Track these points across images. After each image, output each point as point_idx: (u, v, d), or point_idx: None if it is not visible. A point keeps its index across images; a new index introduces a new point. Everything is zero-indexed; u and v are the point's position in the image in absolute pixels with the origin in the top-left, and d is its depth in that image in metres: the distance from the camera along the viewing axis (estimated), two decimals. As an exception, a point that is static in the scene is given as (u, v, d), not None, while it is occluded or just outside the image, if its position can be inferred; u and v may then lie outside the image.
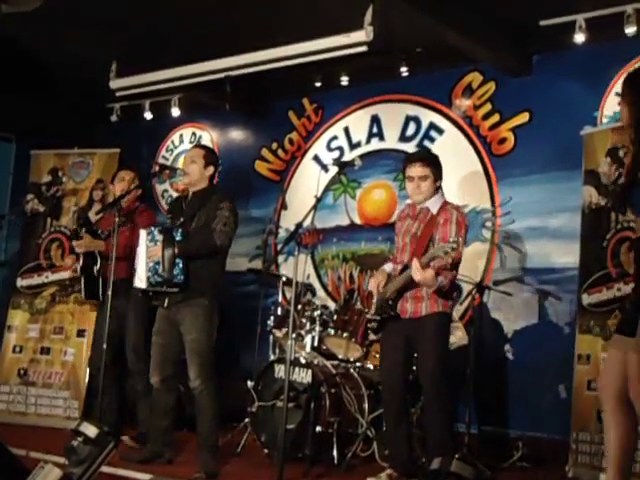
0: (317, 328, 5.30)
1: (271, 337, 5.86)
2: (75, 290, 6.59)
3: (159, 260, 4.52)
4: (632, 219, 4.70)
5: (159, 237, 4.57)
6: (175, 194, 7.74)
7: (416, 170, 4.46)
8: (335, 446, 4.87)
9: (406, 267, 4.33)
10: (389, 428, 4.54)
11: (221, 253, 4.68)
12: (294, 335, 4.70)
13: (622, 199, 3.71)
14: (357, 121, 6.83)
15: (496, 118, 6.04)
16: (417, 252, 4.33)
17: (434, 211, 4.45)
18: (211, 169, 4.84)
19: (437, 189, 4.51)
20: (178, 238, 4.54)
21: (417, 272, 4.13)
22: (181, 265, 4.53)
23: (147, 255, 4.58)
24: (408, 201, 4.74)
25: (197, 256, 4.58)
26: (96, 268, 5.50)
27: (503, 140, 6.00)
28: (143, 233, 4.68)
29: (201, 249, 4.60)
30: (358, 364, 5.33)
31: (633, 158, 3.27)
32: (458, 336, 5.05)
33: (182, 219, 4.74)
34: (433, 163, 4.50)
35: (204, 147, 5.15)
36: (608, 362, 3.32)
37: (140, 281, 4.65)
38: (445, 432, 4.27)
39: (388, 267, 4.64)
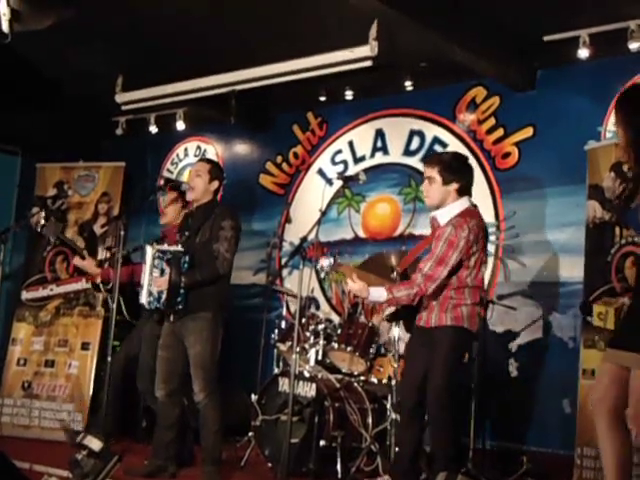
0: (321, 342, 5.30)
1: (275, 350, 5.85)
2: (80, 303, 6.61)
3: (163, 290, 4.56)
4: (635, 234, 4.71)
5: (167, 268, 4.57)
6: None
7: (425, 170, 4.26)
8: (339, 460, 4.85)
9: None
10: (400, 427, 4.49)
11: (223, 279, 4.71)
12: (298, 349, 4.69)
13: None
14: (361, 135, 6.85)
15: (500, 132, 6.06)
16: (406, 260, 4.32)
17: (442, 222, 4.22)
18: (216, 183, 4.85)
19: (452, 193, 4.18)
20: (185, 267, 4.55)
21: (349, 283, 4.13)
22: (183, 292, 4.56)
23: (150, 280, 4.59)
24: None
25: (201, 286, 4.61)
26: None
27: (507, 154, 6.01)
28: (149, 252, 4.66)
29: (206, 280, 4.62)
30: (362, 378, 5.32)
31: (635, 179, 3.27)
32: None
33: (187, 234, 4.76)
34: (442, 164, 4.18)
35: (209, 161, 5.14)
36: (602, 376, 3.31)
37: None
38: (450, 447, 4.19)
39: None
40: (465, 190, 4.24)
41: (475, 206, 4.29)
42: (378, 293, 4.12)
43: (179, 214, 5.47)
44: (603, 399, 3.23)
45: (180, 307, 4.58)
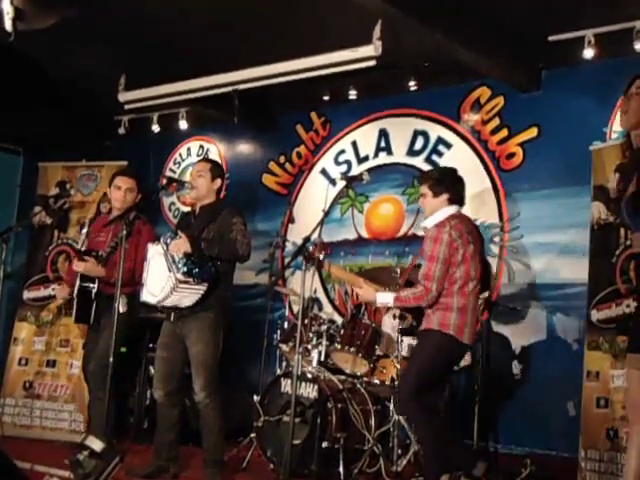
0: (324, 342, 5.28)
1: (278, 351, 5.84)
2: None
3: (188, 251, 4.38)
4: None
5: (180, 234, 4.45)
6: (182, 207, 7.75)
7: (419, 188, 4.55)
8: (342, 462, 4.82)
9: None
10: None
11: (242, 262, 4.70)
12: (301, 349, 4.67)
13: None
14: (365, 135, 6.83)
15: (504, 133, 6.03)
16: (407, 269, 4.52)
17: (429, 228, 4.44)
18: (218, 182, 4.84)
19: (444, 203, 4.40)
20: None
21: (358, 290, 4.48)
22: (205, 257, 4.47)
23: (169, 254, 4.39)
24: None
25: (218, 257, 4.52)
26: (93, 291, 5.16)
27: (512, 155, 5.99)
28: (152, 247, 4.59)
29: (223, 252, 4.55)
30: (365, 379, 5.30)
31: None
32: None
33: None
34: (428, 180, 4.49)
35: (210, 160, 5.16)
36: (631, 382, 3.26)
37: (151, 295, 4.53)
38: (429, 450, 4.26)
39: None
40: (457, 200, 4.45)
41: (461, 213, 4.49)
42: (385, 296, 4.34)
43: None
44: (638, 405, 3.18)
45: (197, 272, 4.40)
